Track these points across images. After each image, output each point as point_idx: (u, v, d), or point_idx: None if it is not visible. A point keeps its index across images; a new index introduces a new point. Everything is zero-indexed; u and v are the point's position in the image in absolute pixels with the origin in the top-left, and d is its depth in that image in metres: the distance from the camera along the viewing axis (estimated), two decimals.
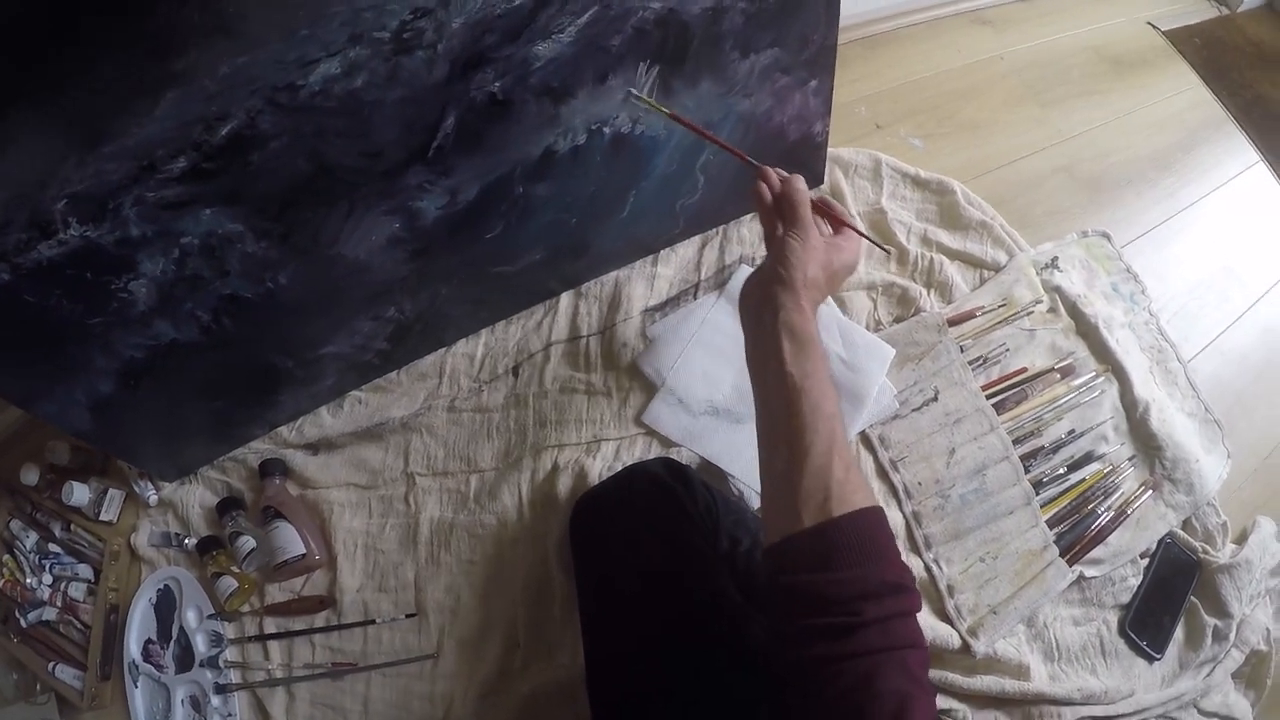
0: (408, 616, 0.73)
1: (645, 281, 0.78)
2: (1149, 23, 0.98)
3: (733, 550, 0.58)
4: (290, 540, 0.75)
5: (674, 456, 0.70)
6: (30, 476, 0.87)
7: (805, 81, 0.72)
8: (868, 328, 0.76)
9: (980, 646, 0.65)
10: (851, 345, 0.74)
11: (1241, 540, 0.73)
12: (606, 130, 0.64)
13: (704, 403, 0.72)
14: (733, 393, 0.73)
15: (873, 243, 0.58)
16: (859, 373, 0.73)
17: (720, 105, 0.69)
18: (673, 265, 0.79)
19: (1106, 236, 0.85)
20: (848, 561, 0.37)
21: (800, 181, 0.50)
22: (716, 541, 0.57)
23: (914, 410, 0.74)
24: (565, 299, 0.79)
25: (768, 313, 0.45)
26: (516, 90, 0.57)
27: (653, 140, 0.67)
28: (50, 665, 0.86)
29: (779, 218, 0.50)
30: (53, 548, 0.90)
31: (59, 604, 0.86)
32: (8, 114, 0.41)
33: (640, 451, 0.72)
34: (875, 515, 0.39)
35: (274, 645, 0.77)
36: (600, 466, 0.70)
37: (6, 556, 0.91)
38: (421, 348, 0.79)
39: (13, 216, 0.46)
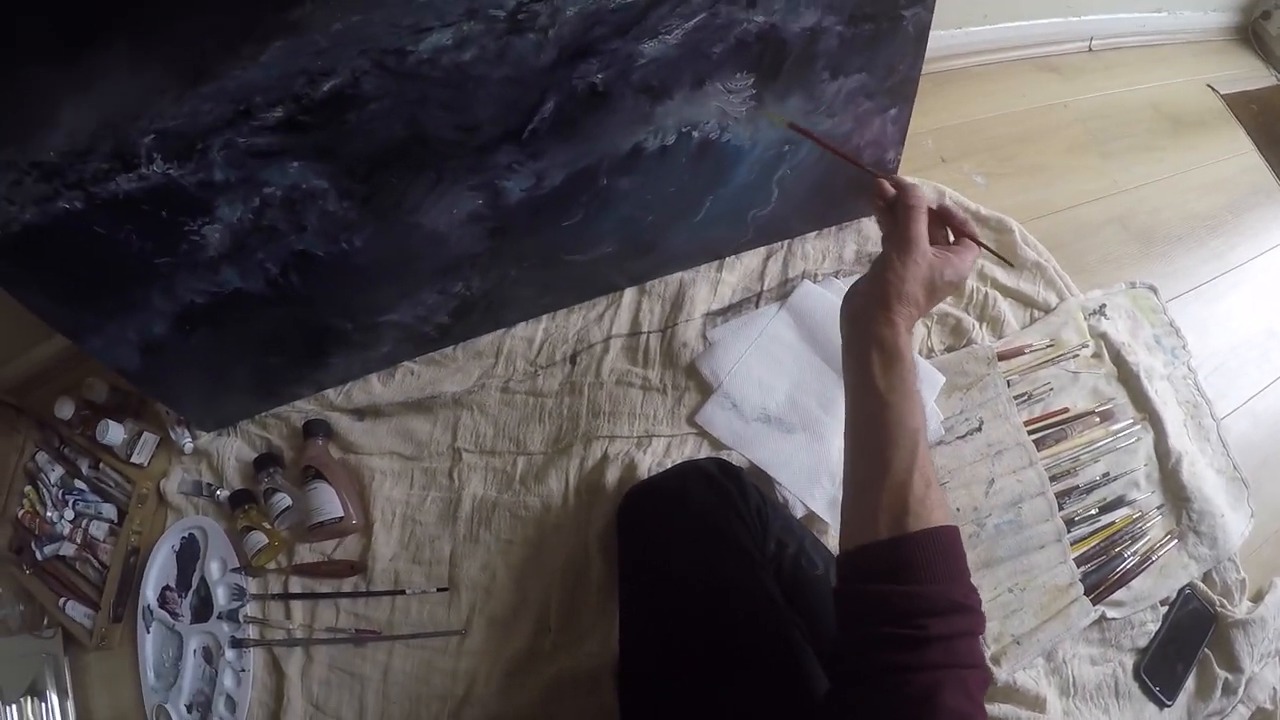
0: (439, 590, 0.73)
1: (709, 285, 0.79)
2: (1209, 85, 1.00)
3: (780, 554, 0.58)
4: (329, 501, 0.75)
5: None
6: (65, 410, 0.86)
7: (886, 109, 0.73)
8: (920, 353, 0.77)
9: (1002, 674, 0.66)
10: None
11: (1258, 599, 0.75)
12: (695, 134, 0.64)
13: (757, 409, 0.73)
14: (786, 402, 0.73)
15: (994, 255, 0.54)
16: None
17: (804, 122, 0.69)
18: (737, 272, 0.80)
19: (1153, 289, 0.86)
20: (918, 577, 0.38)
21: (916, 193, 0.47)
22: (765, 544, 0.58)
23: (958, 438, 0.75)
24: (629, 294, 0.79)
25: (861, 324, 0.45)
26: (617, 84, 0.57)
27: (737, 150, 0.67)
28: (61, 601, 0.85)
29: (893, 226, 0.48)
30: (78, 484, 0.89)
31: (78, 541, 0.85)
32: (112, 42, 0.41)
33: (690, 450, 0.72)
34: (950, 535, 0.39)
35: (297, 605, 0.77)
36: (650, 461, 0.71)
37: (28, 488, 0.90)
38: (482, 326, 0.79)
39: (96, 145, 0.46)
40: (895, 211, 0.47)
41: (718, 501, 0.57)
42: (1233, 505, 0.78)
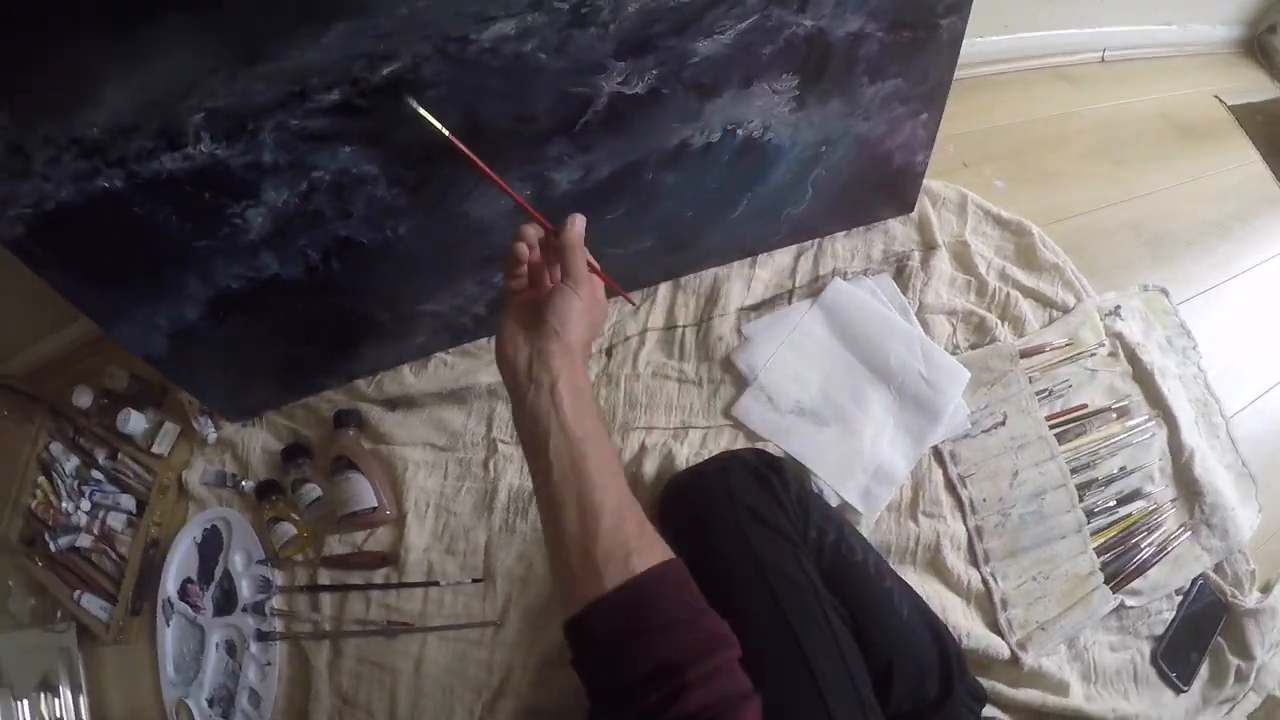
0: (474, 581, 0.74)
1: (743, 281, 0.81)
2: (1216, 97, 1.06)
3: (821, 540, 0.61)
4: (362, 492, 0.76)
5: None
6: (83, 399, 0.86)
7: (918, 113, 0.75)
8: (946, 350, 0.81)
9: (1028, 659, 0.69)
10: (932, 365, 0.78)
11: (1267, 589, 0.78)
12: (740, 132, 0.66)
13: (791, 402, 0.75)
14: (819, 396, 0.76)
15: (623, 296, 0.59)
16: (938, 391, 0.77)
17: (841, 125, 0.72)
18: (770, 269, 0.82)
19: (1164, 292, 0.91)
20: (661, 621, 0.35)
21: (579, 226, 0.46)
22: (806, 531, 0.60)
23: (983, 431, 0.78)
24: (663, 288, 0.81)
25: (544, 372, 0.42)
26: (670, 81, 0.60)
27: (778, 149, 0.70)
28: (75, 594, 0.85)
29: (558, 264, 0.46)
30: (95, 474, 0.89)
31: (95, 532, 0.85)
32: (164, 15, 0.41)
33: (727, 442, 0.74)
34: (679, 567, 0.38)
35: (326, 598, 0.77)
36: (687, 452, 0.73)
37: (41, 479, 0.90)
38: None
39: (142, 122, 0.46)
40: (561, 250, 0.46)
41: (760, 488, 0.59)
42: (1242, 500, 0.83)
